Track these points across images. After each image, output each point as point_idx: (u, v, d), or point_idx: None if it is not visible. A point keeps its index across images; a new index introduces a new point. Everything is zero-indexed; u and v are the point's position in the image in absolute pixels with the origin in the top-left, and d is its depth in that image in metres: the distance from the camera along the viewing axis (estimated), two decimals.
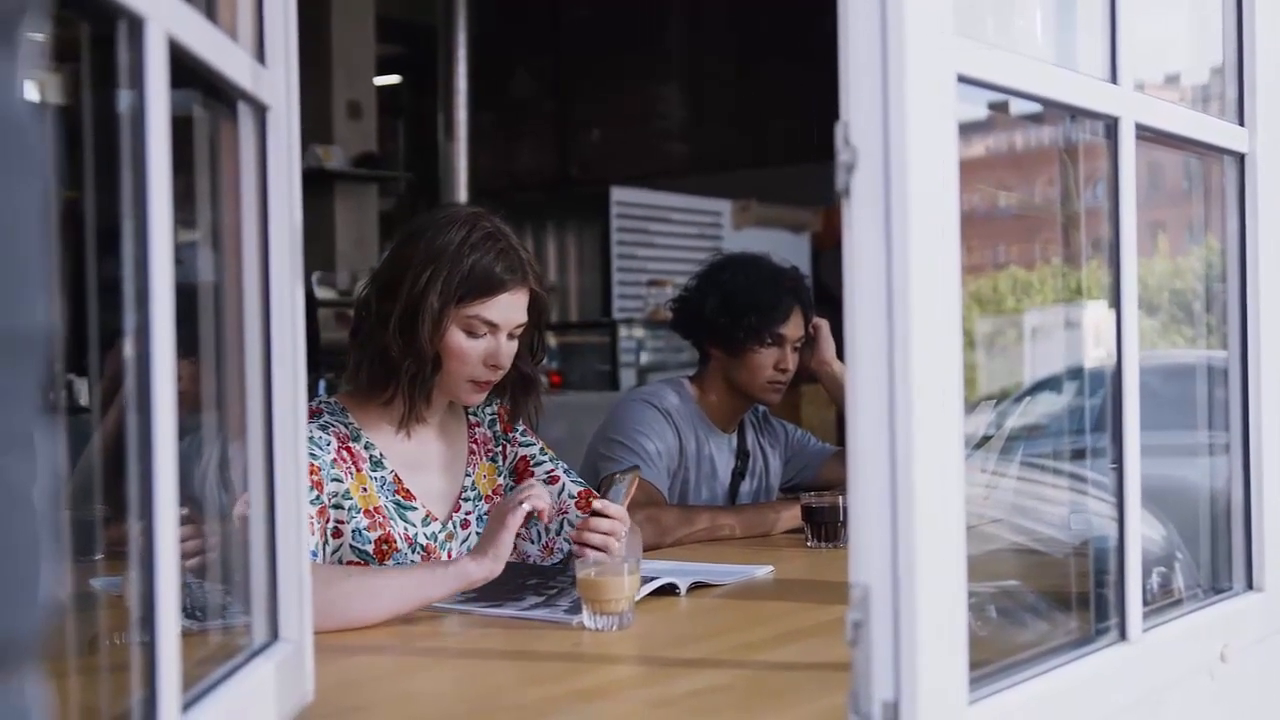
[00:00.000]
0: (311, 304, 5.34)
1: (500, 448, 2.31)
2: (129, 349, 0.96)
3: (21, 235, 0.53)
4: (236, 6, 1.28)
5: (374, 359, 2.12)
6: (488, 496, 2.26)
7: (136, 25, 0.95)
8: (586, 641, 1.76)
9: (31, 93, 0.57)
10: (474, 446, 2.28)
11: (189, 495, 1.13)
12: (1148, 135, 1.52)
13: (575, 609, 1.85)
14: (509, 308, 2.11)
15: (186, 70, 1.07)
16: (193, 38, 1.05)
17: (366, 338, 2.13)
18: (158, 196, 0.97)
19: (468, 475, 2.26)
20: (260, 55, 1.30)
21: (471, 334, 2.10)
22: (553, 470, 2.30)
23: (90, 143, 1.04)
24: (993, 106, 1.42)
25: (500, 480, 2.29)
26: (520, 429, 2.33)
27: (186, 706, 1.04)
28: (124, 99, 0.97)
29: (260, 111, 1.29)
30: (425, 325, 2.07)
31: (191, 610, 1.28)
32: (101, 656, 1.18)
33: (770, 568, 2.29)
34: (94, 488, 1.96)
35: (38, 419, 0.56)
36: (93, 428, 2.13)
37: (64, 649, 1.03)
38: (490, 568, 1.87)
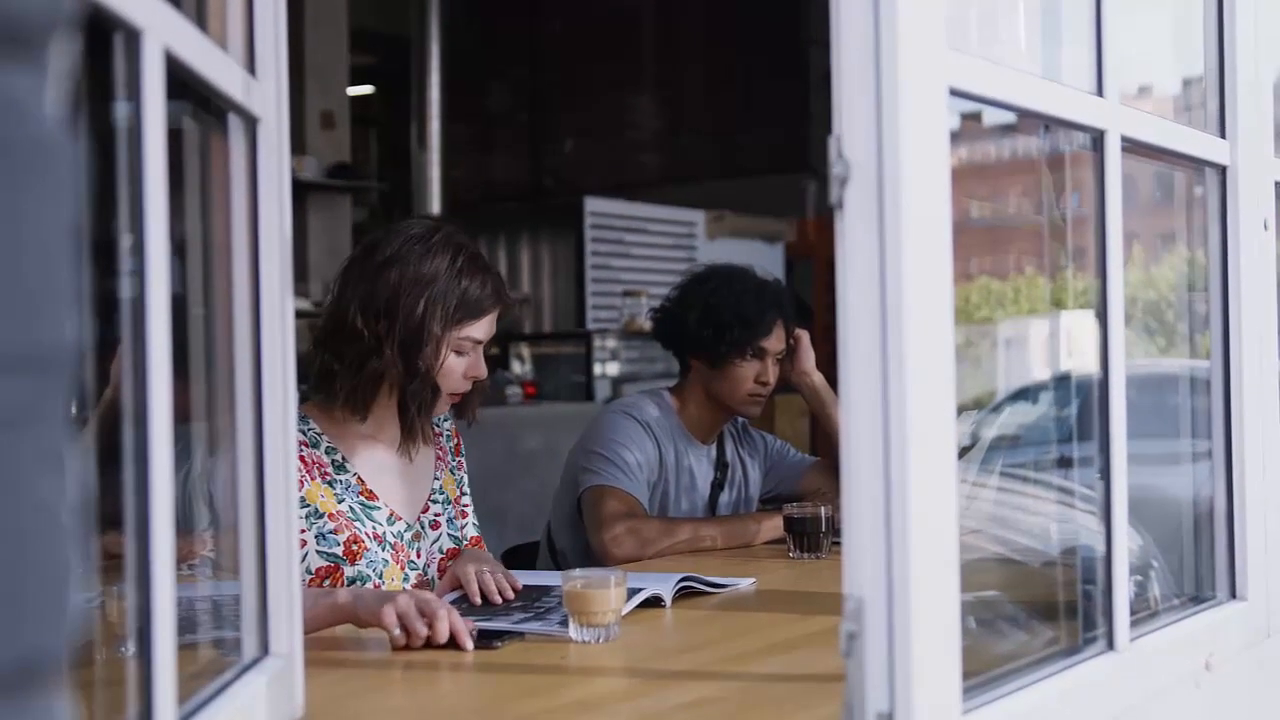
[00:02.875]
0: None
1: (454, 463, 2.41)
2: (125, 362, 0.96)
3: (53, 254, 0.53)
4: (226, 18, 1.27)
5: (370, 381, 2.16)
6: (455, 501, 2.35)
7: (133, 37, 0.94)
8: (573, 654, 1.76)
9: (60, 109, 0.56)
10: (440, 453, 2.37)
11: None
12: (1132, 147, 1.53)
13: (566, 623, 1.84)
14: (490, 324, 2.24)
15: (177, 81, 1.06)
16: (188, 50, 1.05)
17: (358, 360, 2.15)
18: (154, 207, 0.96)
19: (436, 479, 2.33)
20: (251, 67, 1.29)
21: (460, 353, 2.20)
22: (468, 506, 2.41)
23: (82, 154, 1.03)
24: (966, 116, 1.42)
25: (458, 491, 2.38)
26: (463, 454, 2.45)
27: None
28: (119, 110, 0.97)
29: (251, 123, 1.29)
30: (428, 351, 2.15)
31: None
32: (93, 670, 1.17)
33: (753, 580, 2.29)
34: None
35: (66, 437, 0.55)
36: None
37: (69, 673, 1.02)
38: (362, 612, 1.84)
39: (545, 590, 2.12)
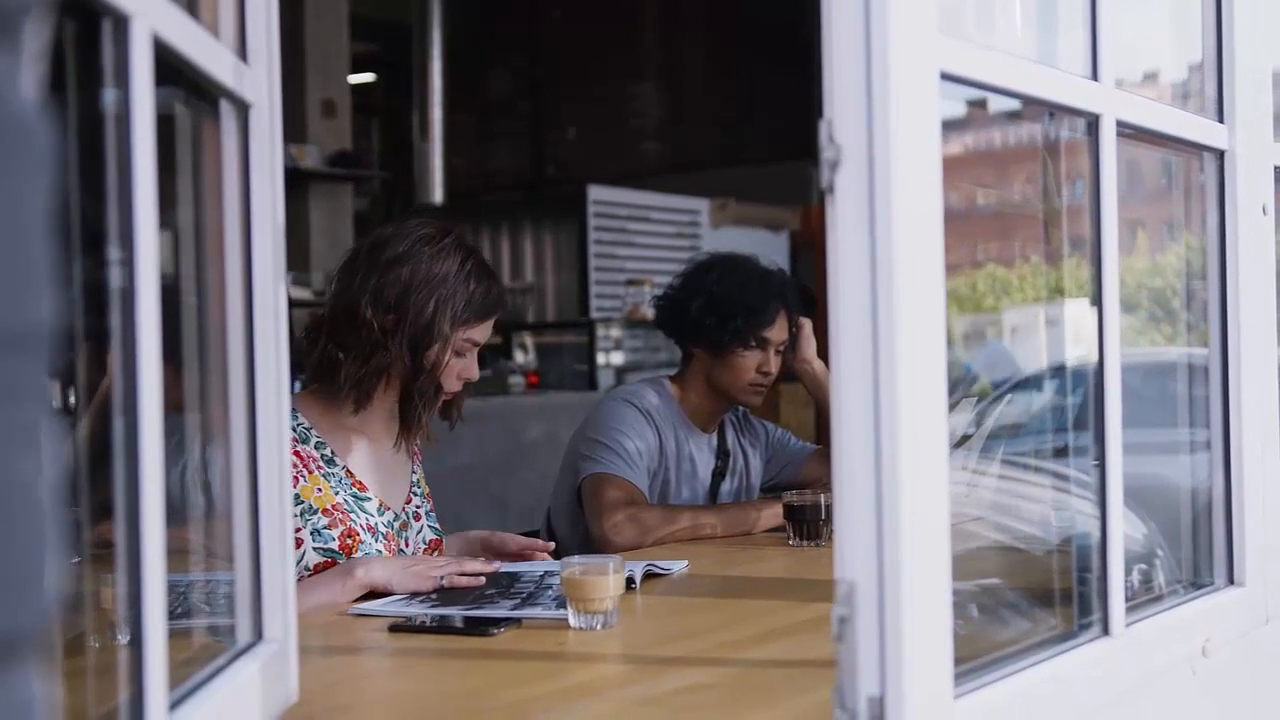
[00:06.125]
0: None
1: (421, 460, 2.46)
2: (115, 351, 0.96)
3: (28, 232, 0.53)
4: (218, 3, 1.27)
5: (374, 373, 2.20)
6: (427, 497, 2.41)
7: (121, 23, 0.94)
8: (570, 641, 1.76)
9: (35, 89, 0.57)
10: (415, 449, 2.40)
11: (169, 497, 1.12)
12: (1128, 132, 1.53)
13: (563, 603, 1.84)
14: (489, 329, 2.30)
15: (168, 67, 1.06)
16: (177, 35, 1.05)
17: (364, 352, 2.19)
18: (143, 196, 0.96)
19: (414, 472, 2.39)
20: (242, 53, 1.29)
21: (459, 354, 2.25)
22: (427, 507, 2.43)
23: (71, 141, 1.03)
24: (970, 104, 1.42)
25: (427, 487, 2.44)
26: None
27: (173, 706, 1.03)
28: (107, 97, 0.97)
29: (243, 110, 1.29)
30: (436, 348, 2.20)
31: (173, 610, 1.28)
32: (84, 657, 1.17)
33: (685, 562, 2.31)
34: (73, 489, 1.96)
35: (43, 414, 0.56)
36: (72, 430, 2.12)
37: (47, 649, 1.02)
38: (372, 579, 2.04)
39: (516, 576, 2.13)
